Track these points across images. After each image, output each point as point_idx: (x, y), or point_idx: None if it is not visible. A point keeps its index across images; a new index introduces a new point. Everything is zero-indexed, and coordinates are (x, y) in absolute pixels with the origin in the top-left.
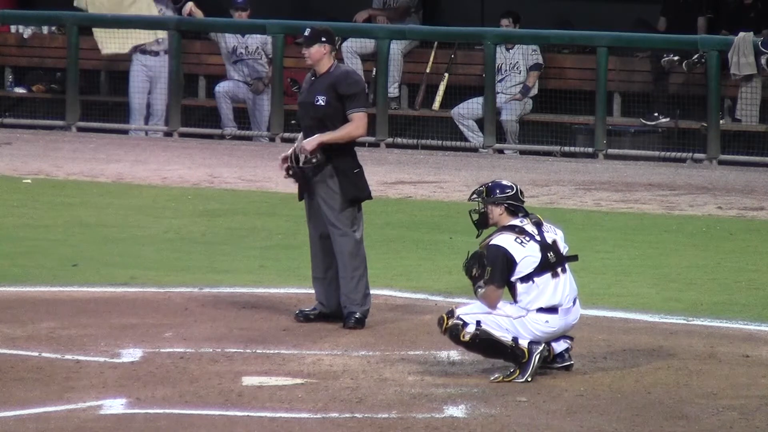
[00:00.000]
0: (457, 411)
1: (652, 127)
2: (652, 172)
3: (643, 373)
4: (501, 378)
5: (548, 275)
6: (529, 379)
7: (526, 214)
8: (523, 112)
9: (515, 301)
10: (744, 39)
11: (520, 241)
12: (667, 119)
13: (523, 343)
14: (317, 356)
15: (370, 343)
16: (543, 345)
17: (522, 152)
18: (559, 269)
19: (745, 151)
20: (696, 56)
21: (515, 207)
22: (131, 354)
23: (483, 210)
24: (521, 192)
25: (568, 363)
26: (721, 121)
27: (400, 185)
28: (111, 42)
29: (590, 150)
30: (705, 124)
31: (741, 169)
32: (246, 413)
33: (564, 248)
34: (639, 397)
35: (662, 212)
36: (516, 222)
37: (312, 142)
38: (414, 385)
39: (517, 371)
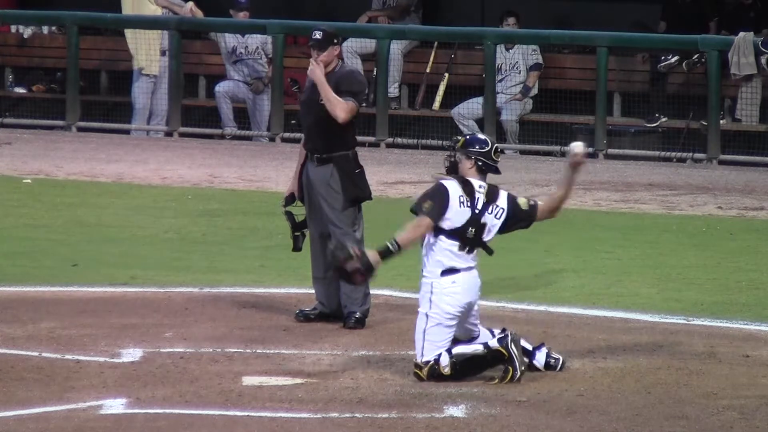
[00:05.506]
0: (457, 411)
1: (653, 128)
2: (652, 172)
3: (643, 373)
4: (498, 381)
5: (457, 243)
6: (523, 369)
7: (489, 184)
8: (523, 112)
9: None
10: (744, 39)
11: (462, 200)
12: (667, 119)
13: (494, 343)
14: (317, 356)
15: (370, 343)
16: (509, 334)
17: (522, 152)
18: (468, 248)
19: (745, 151)
20: (696, 56)
21: (486, 166)
22: (131, 354)
23: (454, 159)
24: (496, 151)
25: (558, 363)
26: (721, 121)
27: (400, 185)
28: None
29: (590, 150)
30: (704, 122)
31: (741, 169)
32: (246, 413)
33: (490, 235)
34: (639, 397)
35: (662, 212)
36: (474, 183)
37: (318, 74)
38: (414, 385)
39: (510, 369)
